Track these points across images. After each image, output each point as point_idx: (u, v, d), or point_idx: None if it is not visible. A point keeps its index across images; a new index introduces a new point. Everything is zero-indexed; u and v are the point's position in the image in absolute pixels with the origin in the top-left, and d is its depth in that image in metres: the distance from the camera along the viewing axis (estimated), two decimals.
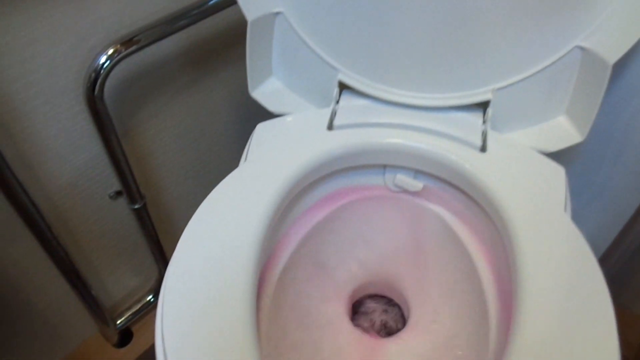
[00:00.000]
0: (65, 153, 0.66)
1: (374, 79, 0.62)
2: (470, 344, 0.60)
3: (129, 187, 0.73)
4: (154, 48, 0.68)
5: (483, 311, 0.58)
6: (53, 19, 0.57)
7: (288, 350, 0.59)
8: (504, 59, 0.57)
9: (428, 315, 0.66)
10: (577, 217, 0.52)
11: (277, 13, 0.61)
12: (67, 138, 0.65)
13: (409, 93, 0.62)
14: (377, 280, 0.69)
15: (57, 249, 0.69)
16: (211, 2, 0.67)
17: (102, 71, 0.61)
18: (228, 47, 0.78)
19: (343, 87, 0.64)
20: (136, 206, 0.76)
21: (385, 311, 0.70)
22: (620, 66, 0.65)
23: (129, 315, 0.89)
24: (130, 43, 0.62)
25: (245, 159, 0.59)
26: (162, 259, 0.88)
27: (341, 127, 0.61)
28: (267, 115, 0.65)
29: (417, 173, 0.63)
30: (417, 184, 0.63)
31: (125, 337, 0.91)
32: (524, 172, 0.56)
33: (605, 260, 0.73)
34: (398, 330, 0.69)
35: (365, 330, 0.68)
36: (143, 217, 0.79)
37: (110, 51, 0.61)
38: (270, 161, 0.57)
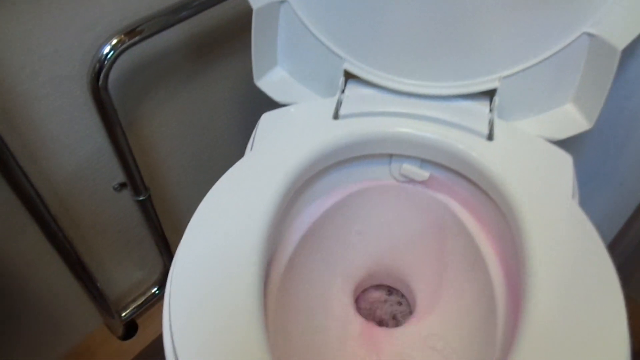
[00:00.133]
0: (70, 144, 0.66)
1: (380, 68, 0.62)
2: (477, 333, 0.60)
3: (134, 179, 0.73)
4: (157, 39, 0.68)
5: (490, 299, 0.57)
6: (57, 8, 0.56)
7: (295, 338, 0.59)
8: (510, 46, 0.57)
9: (434, 305, 0.66)
10: (583, 206, 0.51)
11: (282, 1, 0.61)
12: (72, 129, 0.65)
13: (415, 82, 0.61)
14: (382, 270, 0.69)
15: (62, 241, 0.69)
16: None
17: (106, 62, 0.61)
18: (232, 37, 0.78)
19: (348, 76, 0.63)
20: (141, 198, 0.76)
21: (391, 301, 0.70)
22: (629, 52, 0.65)
23: (134, 308, 0.89)
24: (134, 33, 0.62)
25: (251, 148, 0.58)
26: (167, 251, 0.88)
27: (347, 116, 0.61)
28: (271, 107, 0.64)
29: (423, 162, 0.63)
30: (423, 174, 0.63)
31: (130, 329, 0.91)
32: (531, 160, 0.56)
33: (610, 251, 0.73)
34: (404, 320, 0.69)
35: (371, 320, 0.68)
36: (147, 209, 0.79)
37: (114, 41, 0.61)
38: (276, 151, 0.56)
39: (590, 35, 0.54)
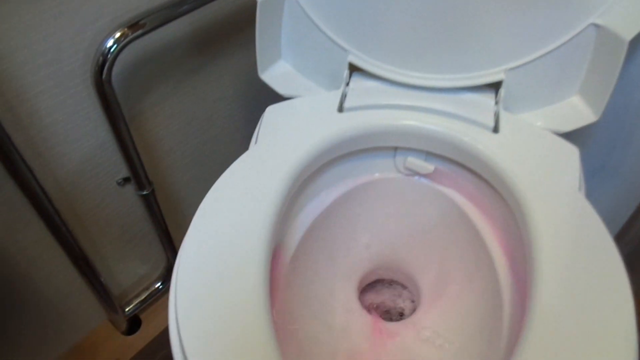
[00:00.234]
0: (73, 139, 0.66)
1: (385, 60, 0.61)
2: (483, 326, 0.60)
3: (137, 174, 0.73)
4: (160, 32, 0.68)
5: (496, 293, 0.57)
6: (59, 2, 0.56)
7: (300, 331, 0.59)
8: (516, 38, 0.56)
9: (439, 299, 0.66)
10: (589, 199, 0.51)
11: None
12: (75, 123, 0.65)
13: (420, 74, 0.61)
14: (387, 264, 0.69)
15: (66, 235, 0.68)
16: None
17: (109, 55, 0.60)
18: (235, 31, 0.77)
19: (353, 69, 0.63)
20: (144, 192, 0.76)
21: (395, 295, 0.70)
22: (636, 43, 0.64)
23: (138, 303, 0.89)
24: (137, 26, 0.61)
25: (256, 141, 0.58)
26: (170, 246, 0.88)
27: (352, 109, 0.60)
28: (274, 101, 0.64)
29: (428, 155, 0.63)
30: (428, 167, 0.62)
31: (133, 324, 0.91)
32: (537, 152, 0.55)
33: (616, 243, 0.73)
34: (408, 314, 0.69)
35: (376, 313, 0.68)
36: (151, 204, 0.78)
37: (117, 34, 0.60)
38: (281, 143, 0.56)
39: (597, 26, 0.54)
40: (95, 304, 0.85)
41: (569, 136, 0.58)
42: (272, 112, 0.61)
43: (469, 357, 0.60)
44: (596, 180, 0.75)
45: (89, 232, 0.77)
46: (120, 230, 0.82)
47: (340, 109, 0.60)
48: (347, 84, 0.63)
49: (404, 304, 0.69)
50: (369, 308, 0.68)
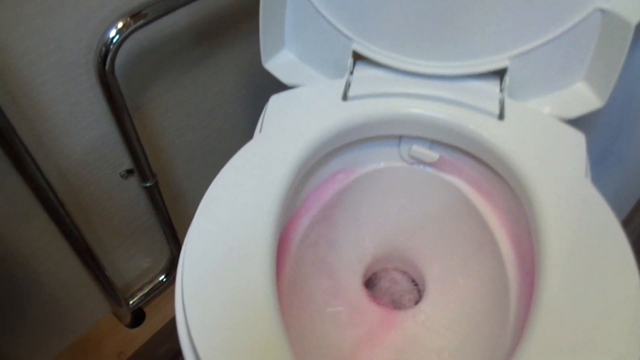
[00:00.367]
0: (76, 130, 0.66)
1: (389, 48, 0.61)
2: (489, 314, 0.60)
3: (141, 165, 0.73)
4: (163, 23, 0.67)
5: (502, 281, 0.57)
6: None
7: (305, 319, 0.59)
8: (520, 24, 0.56)
9: (445, 286, 0.66)
10: (595, 185, 0.51)
11: None
12: (78, 114, 0.65)
13: (425, 62, 0.61)
14: (392, 252, 0.69)
15: (70, 227, 0.68)
16: None
17: (112, 45, 0.60)
18: (237, 22, 0.77)
19: (357, 57, 0.63)
20: (148, 184, 0.75)
21: (400, 284, 0.70)
22: None
23: (142, 296, 0.89)
24: (139, 16, 0.61)
25: (260, 130, 0.58)
26: (174, 238, 0.87)
27: (356, 97, 0.60)
28: (277, 92, 0.64)
29: (433, 144, 0.62)
30: (432, 155, 0.62)
31: (137, 317, 0.91)
32: (542, 139, 0.55)
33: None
34: (413, 303, 0.68)
35: (381, 302, 0.68)
36: (154, 196, 0.78)
37: (120, 24, 0.60)
38: (286, 132, 0.56)
39: (602, 10, 0.54)
40: (99, 296, 0.84)
41: (574, 123, 0.58)
42: (276, 101, 0.60)
43: (475, 346, 0.60)
44: (601, 167, 0.75)
45: (92, 225, 0.77)
46: (124, 223, 0.82)
47: (345, 97, 0.60)
48: (351, 73, 0.62)
49: (409, 292, 0.69)
50: (374, 297, 0.68)
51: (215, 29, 0.75)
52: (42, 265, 0.73)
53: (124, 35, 0.60)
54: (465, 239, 0.64)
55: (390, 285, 0.69)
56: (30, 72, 0.57)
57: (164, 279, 0.91)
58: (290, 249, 0.60)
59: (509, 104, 0.58)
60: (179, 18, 0.69)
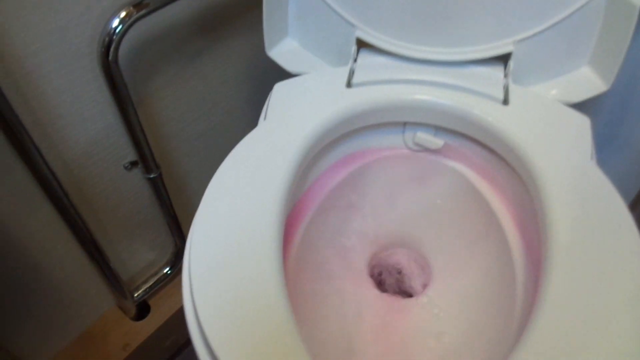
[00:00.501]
0: (81, 121, 0.66)
1: (392, 35, 0.61)
2: (496, 301, 0.60)
3: (145, 156, 0.73)
4: (166, 13, 0.67)
5: (509, 265, 0.57)
6: None
7: (310, 307, 0.59)
8: (525, 8, 0.56)
9: (451, 273, 0.66)
10: (601, 169, 0.51)
11: None
12: (82, 105, 0.65)
13: (428, 48, 0.61)
14: (397, 240, 0.69)
15: (75, 218, 0.68)
16: None
17: (115, 35, 0.60)
18: (241, 11, 0.77)
19: (360, 45, 0.63)
20: (152, 176, 0.75)
21: (406, 271, 0.70)
22: None
23: (147, 288, 0.89)
24: (141, 6, 0.61)
25: (264, 118, 0.58)
26: (178, 230, 0.87)
27: (360, 84, 0.60)
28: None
29: (438, 130, 0.62)
30: (437, 142, 0.62)
31: (142, 310, 0.91)
32: (548, 123, 0.55)
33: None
34: (419, 290, 0.68)
35: (386, 290, 0.68)
36: (158, 188, 0.78)
37: (123, 14, 0.60)
38: (290, 119, 0.56)
39: None
40: (104, 289, 0.85)
41: (578, 108, 0.58)
42: (280, 89, 0.61)
43: (482, 332, 0.60)
44: (606, 152, 0.75)
45: (97, 217, 0.77)
46: (128, 215, 0.82)
47: (349, 84, 0.60)
48: (355, 60, 0.62)
49: (414, 280, 0.69)
50: (380, 285, 0.68)
51: (218, 19, 0.75)
52: (47, 257, 0.73)
53: (126, 24, 0.60)
54: (470, 225, 0.64)
55: (395, 272, 0.69)
56: (35, 63, 0.57)
57: (169, 271, 0.91)
58: (295, 237, 0.60)
59: (513, 89, 0.58)
60: (182, 8, 0.69)
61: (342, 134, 0.59)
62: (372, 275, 0.68)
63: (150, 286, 0.90)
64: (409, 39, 0.61)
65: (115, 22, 0.59)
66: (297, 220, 0.61)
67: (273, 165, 0.51)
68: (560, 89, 0.60)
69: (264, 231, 0.46)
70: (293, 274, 0.58)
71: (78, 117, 0.65)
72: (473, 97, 0.58)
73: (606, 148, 0.75)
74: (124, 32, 0.60)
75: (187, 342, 0.98)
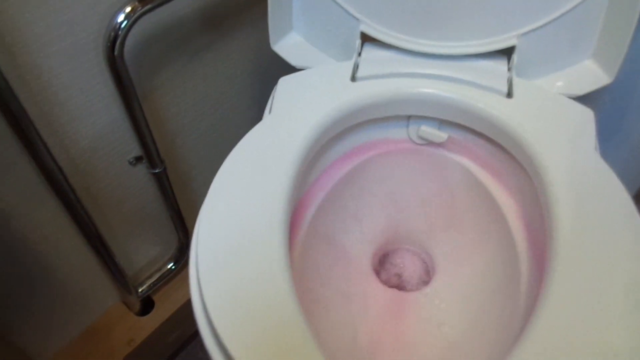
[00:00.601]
0: (86, 115, 0.66)
1: (396, 29, 0.61)
2: (500, 294, 0.60)
3: (149, 151, 0.73)
4: (170, 8, 0.67)
5: (513, 258, 0.58)
6: None
7: (316, 300, 0.60)
8: (528, 2, 0.56)
9: (455, 267, 0.66)
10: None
11: None
12: (88, 99, 0.65)
13: (432, 42, 0.61)
14: (401, 233, 0.69)
15: (81, 213, 0.69)
16: None
17: (120, 30, 0.60)
18: (243, 7, 0.77)
19: (364, 39, 0.63)
20: (156, 170, 0.76)
21: (411, 264, 0.70)
22: None
23: (151, 284, 0.89)
24: (146, 1, 0.61)
25: (270, 111, 0.58)
26: (182, 226, 0.88)
27: (364, 78, 0.60)
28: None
29: (442, 124, 0.63)
30: (441, 135, 0.63)
31: (146, 305, 0.91)
32: (552, 116, 0.56)
33: None
34: (423, 283, 0.69)
35: (391, 283, 0.68)
36: (163, 183, 0.79)
37: (128, 9, 0.60)
38: (296, 112, 0.56)
39: None
40: (109, 284, 0.85)
41: (582, 101, 0.58)
42: (285, 83, 0.61)
43: (486, 325, 0.60)
44: (608, 146, 0.75)
45: (101, 212, 0.77)
46: (132, 211, 0.82)
47: (353, 78, 0.61)
48: (359, 54, 0.63)
49: (419, 273, 0.69)
50: (384, 278, 0.68)
51: (222, 14, 0.75)
52: (53, 251, 0.73)
53: (132, 19, 0.60)
54: (474, 218, 0.65)
55: (400, 266, 0.70)
56: (41, 56, 0.57)
57: (173, 267, 0.92)
58: (300, 230, 0.61)
59: (517, 82, 0.59)
60: (186, 3, 0.69)
61: (346, 127, 0.60)
62: (375, 269, 0.68)
63: (155, 281, 0.90)
64: (413, 33, 0.61)
65: (121, 17, 0.60)
66: (302, 214, 0.62)
67: (279, 158, 0.52)
68: (563, 82, 0.60)
69: (270, 224, 0.47)
70: (298, 267, 0.58)
71: (83, 112, 0.65)
72: (477, 90, 0.58)
73: (608, 142, 0.76)
74: (129, 27, 0.60)
75: (191, 338, 0.99)
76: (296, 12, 0.65)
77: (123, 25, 0.60)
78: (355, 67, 0.61)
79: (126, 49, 0.62)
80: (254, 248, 0.45)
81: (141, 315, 0.90)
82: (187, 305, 0.92)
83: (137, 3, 0.61)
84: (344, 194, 0.65)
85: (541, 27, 0.58)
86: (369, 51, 0.63)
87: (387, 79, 0.60)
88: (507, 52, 0.60)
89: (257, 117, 0.63)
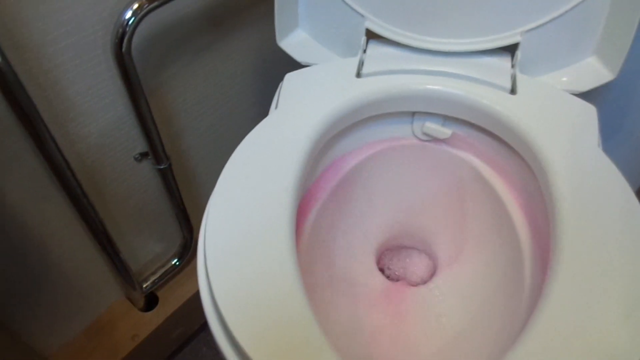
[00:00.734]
0: (93, 111, 0.67)
1: (401, 26, 0.62)
2: (503, 290, 0.60)
3: (155, 147, 0.73)
4: (176, 5, 0.68)
5: (517, 255, 0.58)
6: None
7: (320, 295, 0.60)
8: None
9: (458, 263, 0.67)
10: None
11: None
12: (95, 96, 0.65)
13: (436, 39, 0.62)
14: (405, 229, 0.70)
15: (88, 208, 0.69)
16: None
17: (127, 27, 0.61)
18: (249, 5, 0.78)
19: (370, 35, 0.64)
20: (162, 166, 0.76)
21: (414, 260, 0.70)
22: None
23: (155, 280, 0.90)
24: None
25: (276, 106, 0.59)
26: (186, 222, 0.88)
27: (369, 74, 0.61)
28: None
29: (446, 120, 0.63)
30: (445, 131, 0.63)
31: (150, 301, 0.92)
32: (555, 112, 0.56)
33: None
34: (426, 279, 0.69)
35: (394, 279, 0.69)
36: (168, 179, 0.79)
37: (135, 6, 0.61)
38: (301, 108, 0.57)
39: None
40: (113, 280, 0.85)
41: (584, 98, 0.59)
42: (291, 79, 0.61)
43: (488, 321, 0.61)
44: (611, 143, 0.75)
45: (107, 208, 0.78)
46: (137, 207, 0.83)
47: (358, 75, 0.61)
48: (364, 51, 0.63)
49: (422, 269, 0.70)
50: (387, 274, 0.69)
51: (227, 12, 0.75)
52: (59, 247, 0.74)
53: (139, 16, 0.61)
54: (479, 214, 0.65)
55: (403, 261, 0.70)
56: (50, 52, 0.58)
57: (177, 263, 0.92)
58: (305, 226, 0.61)
59: (520, 78, 0.59)
60: (191, 1, 0.70)
61: (352, 123, 0.60)
62: (379, 264, 0.69)
63: (159, 277, 0.90)
64: (417, 30, 0.62)
65: (129, 14, 0.60)
66: (307, 210, 0.62)
67: (285, 153, 0.52)
68: (566, 79, 0.61)
69: (277, 218, 0.47)
70: (304, 262, 0.59)
71: (91, 108, 0.66)
72: (481, 86, 0.59)
73: (610, 140, 0.76)
74: (136, 24, 0.61)
75: (195, 334, 0.99)
76: (302, 9, 0.66)
77: (130, 22, 0.60)
78: (361, 64, 0.62)
79: (132, 46, 0.62)
80: (262, 242, 0.45)
81: (145, 311, 0.91)
82: (191, 302, 0.92)
83: (144, 0, 0.61)
84: (349, 189, 0.65)
85: (545, 24, 0.58)
86: (374, 48, 0.64)
87: (392, 75, 0.61)
88: (510, 49, 0.61)
89: (260, 115, 0.63)
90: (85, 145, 0.68)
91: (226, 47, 0.79)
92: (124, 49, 0.61)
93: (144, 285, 0.89)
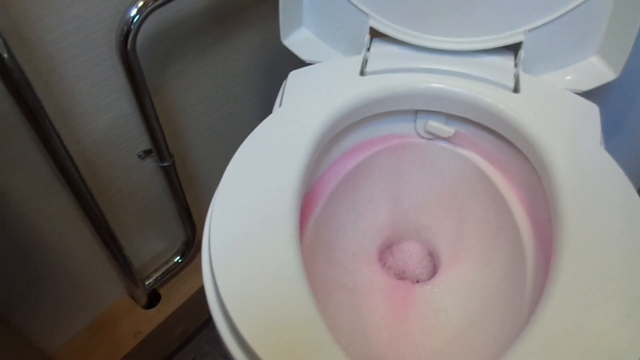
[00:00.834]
0: (97, 108, 0.67)
1: (405, 25, 0.62)
2: (506, 287, 0.61)
3: (159, 145, 0.74)
4: (180, 3, 0.68)
5: (519, 253, 0.58)
6: None
7: (322, 291, 0.60)
8: None
9: (460, 260, 0.67)
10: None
11: None
12: (100, 93, 0.66)
13: (441, 38, 0.62)
14: (408, 227, 0.70)
15: (92, 205, 0.69)
16: None
17: (132, 25, 0.61)
18: (253, 3, 0.78)
19: (373, 34, 0.64)
20: (165, 164, 0.77)
21: (416, 258, 0.71)
22: None
23: (157, 277, 0.90)
24: None
25: (280, 104, 0.59)
26: (189, 220, 0.88)
27: (373, 72, 0.61)
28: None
29: (449, 118, 0.64)
30: (448, 130, 0.63)
31: (152, 299, 0.92)
32: (558, 110, 0.56)
33: None
34: (429, 276, 0.70)
35: (396, 276, 0.69)
36: (171, 176, 0.79)
37: (140, 3, 0.61)
38: (305, 105, 0.57)
39: None
40: (116, 277, 0.86)
41: (587, 97, 0.59)
42: (295, 76, 0.62)
43: (490, 319, 0.61)
44: (613, 143, 0.76)
45: (110, 206, 0.78)
46: (140, 204, 0.83)
47: (362, 73, 0.61)
48: (368, 49, 0.64)
49: (424, 266, 0.70)
50: (389, 270, 0.69)
51: (231, 10, 0.76)
52: (62, 243, 0.74)
53: (144, 13, 0.61)
54: (482, 212, 0.65)
55: (405, 258, 0.71)
56: (56, 49, 0.58)
57: (179, 260, 0.92)
58: (308, 223, 0.61)
59: (524, 77, 0.60)
60: None
61: (355, 121, 0.61)
62: (381, 261, 0.69)
63: (161, 275, 0.91)
64: (421, 29, 0.62)
65: (134, 12, 0.60)
66: (310, 207, 0.62)
67: (289, 150, 0.53)
68: (569, 78, 0.61)
69: (281, 215, 0.48)
70: (307, 259, 0.59)
71: (95, 105, 0.66)
72: (484, 85, 0.59)
73: (612, 139, 0.76)
74: (141, 22, 0.61)
75: (197, 331, 0.99)
76: (306, 7, 0.66)
77: (135, 20, 0.61)
78: (364, 62, 0.62)
79: (137, 43, 0.63)
80: (266, 238, 0.46)
81: (147, 309, 0.91)
82: (194, 299, 0.93)
83: None
84: (353, 186, 0.66)
85: (548, 23, 0.59)
86: (378, 46, 0.64)
87: (395, 73, 0.61)
88: (514, 48, 0.61)
89: (263, 113, 0.64)
90: (89, 142, 0.69)
91: (229, 45, 0.80)
92: (129, 47, 0.62)
93: (147, 283, 0.89)
